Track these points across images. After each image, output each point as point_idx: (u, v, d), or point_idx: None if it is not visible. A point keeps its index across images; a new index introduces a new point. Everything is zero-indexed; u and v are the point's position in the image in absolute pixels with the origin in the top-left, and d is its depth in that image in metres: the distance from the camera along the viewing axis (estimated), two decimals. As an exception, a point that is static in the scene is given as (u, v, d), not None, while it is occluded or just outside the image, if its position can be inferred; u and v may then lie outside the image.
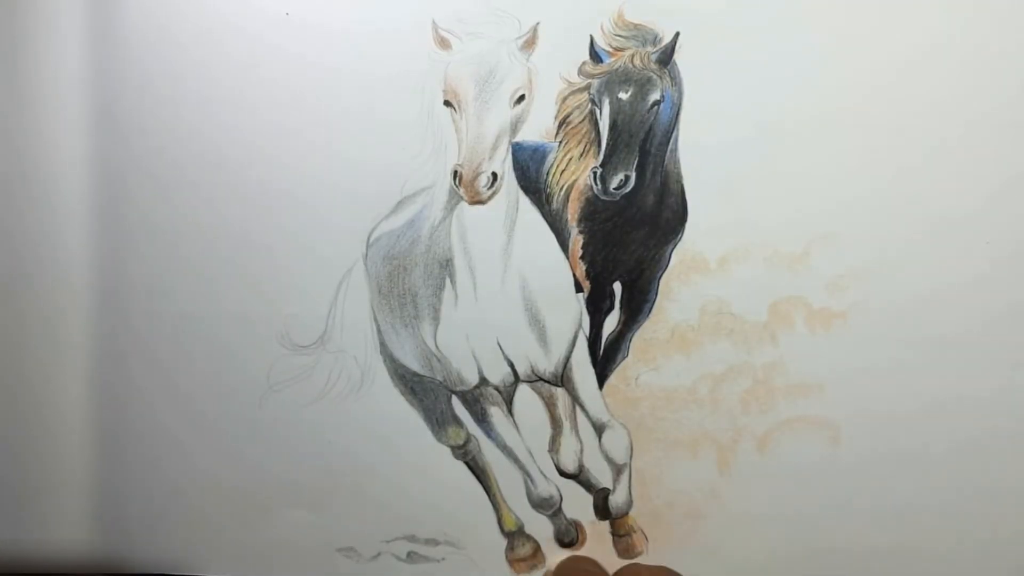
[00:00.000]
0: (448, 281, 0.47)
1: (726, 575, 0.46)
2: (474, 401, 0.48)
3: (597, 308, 0.47)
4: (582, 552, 0.48)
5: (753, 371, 0.46)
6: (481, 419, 0.49)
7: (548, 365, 0.47)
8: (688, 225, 0.46)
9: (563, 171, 0.47)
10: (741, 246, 0.46)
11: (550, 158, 0.47)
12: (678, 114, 0.46)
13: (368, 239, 0.48)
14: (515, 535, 0.48)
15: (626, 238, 0.46)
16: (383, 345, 0.48)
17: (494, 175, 0.46)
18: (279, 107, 0.48)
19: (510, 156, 0.47)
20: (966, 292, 0.45)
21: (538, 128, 0.47)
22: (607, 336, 0.47)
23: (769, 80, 0.45)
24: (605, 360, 0.47)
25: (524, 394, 0.48)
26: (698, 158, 0.46)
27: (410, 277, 0.48)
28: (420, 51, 0.47)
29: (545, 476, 0.48)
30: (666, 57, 0.45)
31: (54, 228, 0.49)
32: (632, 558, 0.47)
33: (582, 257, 0.47)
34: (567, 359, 0.47)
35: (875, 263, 0.46)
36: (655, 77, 0.45)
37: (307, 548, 0.49)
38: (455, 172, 0.46)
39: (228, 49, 0.48)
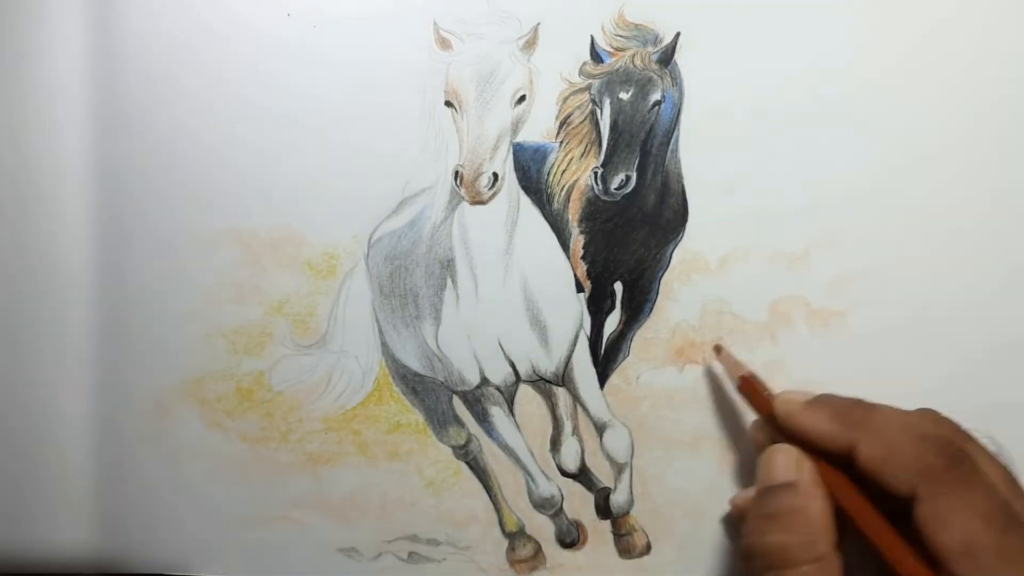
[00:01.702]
0: (449, 281, 0.47)
1: (728, 573, 0.46)
2: (475, 401, 0.48)
3: (598, 308, 0.47)
4: (583, 552, 0.48)
5: (754, 370, 0.46)
6: (482, 419, 0.48)
7: (549, 365, 0.47)
8: (689, 225, 0.46)
9: (564, 171, 0.47)
10: (741, 246, 0.46)
11: (551, 158, 0.47)
12: (679, 114, 0.46)
13: (369, 239, 0.48)
14: (516, 536, 0.48)
15: (627, 238, 0.46)
16: (384, 345, 0.48)
17: (495, 175, 0.46)
18: (279, 109, 0.48)
19: (511, 156, 0.47)
20: (966, 291, 0.45)
21: (539, 128, 0.47)
22: (608, 336, 0.47)
23: (770, 80, 0.45)
24: (606, 359, 0.47)
25: (525, 394, 0.48)
26: (698, 158, 0.46)
27: (411, 277, 0.48)
28: (421, 52, 0.47)
29: (547, 476, 0.48)
30: (667, 57, 0.45)
31: (54, 227, 0.49)
32: (633, 557, 0.47)
33: (583, 257, 0.47)
34: (568, 359, 0.47)
35: (875, 263, 0.46)
36: (656, 77, 0.45)
37: (308, 548, 0.49)
38: (456, 172, 0.46)
39: (228, 49, 0.48)
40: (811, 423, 0.38)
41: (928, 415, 0.36)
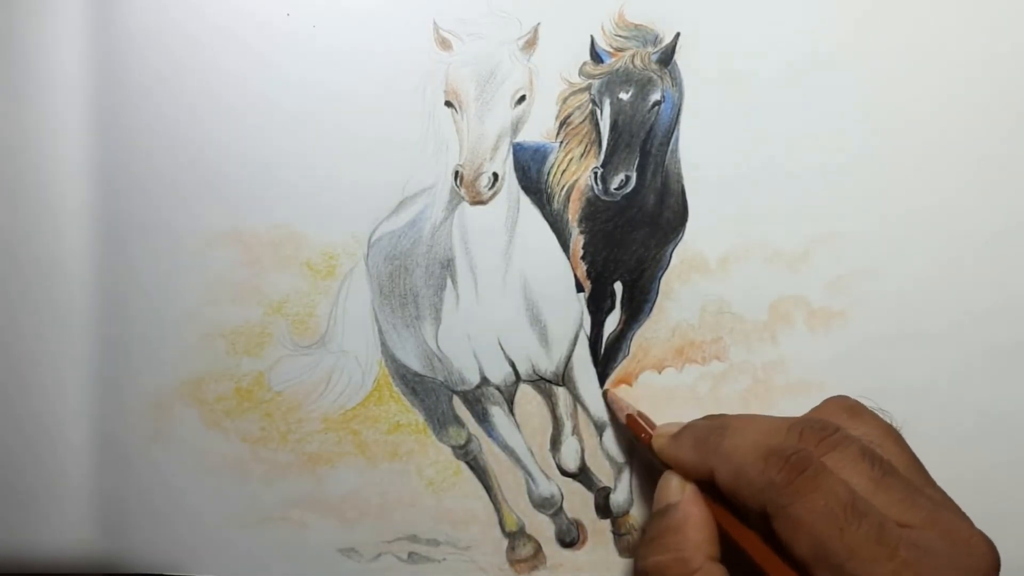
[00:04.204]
0: (449, 281, 0.47)
1: (727, 573, 0.46)
2: (475, 401, 0.48)
3: (598, 308, 0.47)
4: (583, 551, 0.48)
5: (753, 370, 0.46)
6: (482, 419, 0.49)
7: (549, 364, 0.47)
8: (689, 225, 0.46)
9: (564, 171, 0.47)
10: (741, 246, 0.46)
11: (551, 158, 0.47)
12: (679, 114, 0.46)
13: (369, 239, 0.48)
14: (516, 535, 0.48)
15: (627, 238, 0.46)
16: (384, 345, 0.48)
17: (495, 175, 0.46)
18: (278, 109, 0.48)
19: (511, 156, 0.47)
20: (966, 291, 0.45)
21: (539, 128, 0.47)
22: (608, 335, 0.47)
23: (770, 80, 0.45)
24: (606, 359, 0.47)
25: (525, 393, 0.48)
26: (698, 158, 0.46)
27: (411, 277, 0.48)
28: (421, 52, 0.47)
29: (547, 475, 0.48)
30: (667, 57, 0.45)
31: (53, 226, 0.49)
32: (633, 556, 0.47)
33: (583, 257, 0.47)
34: (568, 358, 0.47)
35: (875, 263, 0.46)
36: (656, 77, 0.45)
37: (308, 548, 0.49)
38: (456, 172, 0.46)
39: (229, 50, 0.48)
40: (676, 455, 0.39)
41: (788, 422, 0.36)
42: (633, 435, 0.44)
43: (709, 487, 0.38)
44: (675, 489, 0.38)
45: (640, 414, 0.44)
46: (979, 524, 0.32)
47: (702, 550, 0.35)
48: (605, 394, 0.47)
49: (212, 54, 0.48)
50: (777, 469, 0.33)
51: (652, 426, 0.43)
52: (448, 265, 0.47)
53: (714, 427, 0.39)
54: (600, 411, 0.47)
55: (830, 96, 0.45)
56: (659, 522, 0.38)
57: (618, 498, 0.47)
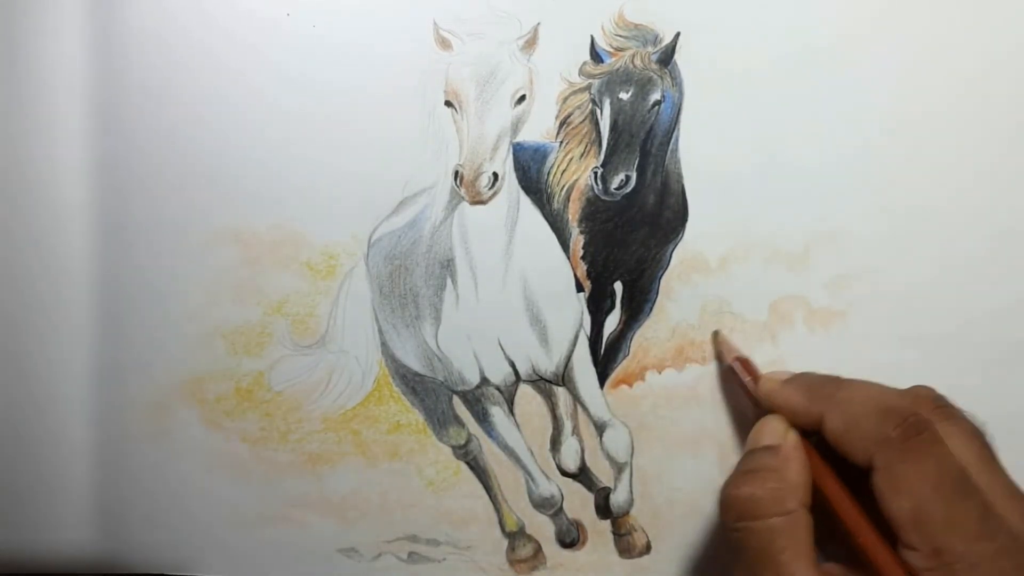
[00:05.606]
0: (449, 281, 0.47)
1: (727, 573, 0.46)
2: (475, 401, 0.48)
3: (598, 308, 0.47)
4: (583, 551, 0.48)
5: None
6: (482, 419, 0.48)
7: (549, 364, 0.47)
8: (689, 225, 0.46)
9: (564, 171, 0.47)
10: (741, 246, 0.46)
11: (551, 158, 0.47)
12: (679, 114, 0.46)
13: (369, 239, 0.48)
14: (516, 535, 0.48)
15: (627, 238, 0.46)
16: (384, 345, 0.48)
17: (495, 175, 0.46)
18: (278, 109, 0.48)
19: (511, 156, 0.47)
20: (966, 291, 0.45)
21: (539, 128, 0.47)
22: (608, 335, 0.47)
23: (770, 80, 0.45)
24: (606, 359, 0.47)
25: (525, 394, 0.48)
26: (698, 158, 0.46)
27: (411, 277, 0.48)
28: (421, 52, 0.47)
29: (547, 475, 0.48)
30: (667, 57, 0.45)
31: (53, 226, 0.49)
32: (633, 557, 0.47)
33: (583, 257, 0.47)
34: (568, 358, 0.47)
35: (875, 263, 0.46)
36: (656, 77, 0.45)
37: (308, 548, 0.49)
38: (456, 172, 0.46)
39: (228, 51, 0.48)
40: (785, 398, 0.39)
41: (898, 390, 0.37)
42: (737, 379, 0.44)
43: (806, 438, 0.38)
44: (778, 432, 0.38)
45: (747, 361, 0.44)
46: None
47: (797, 495, 0.35)
48: (715, 335, 0.46)
49: (212, 55, 0.48)
50: (893, 425, 0.33)
51: (756, 376, 0.43)
52: (448, 265, 0.47)
53: (828, 378, 0.39)
54: (600, 411, 0.47)
55: (830, 96, 0.45)
56: (758, 458, 0.38)
57: (618, 498, 0.47)
